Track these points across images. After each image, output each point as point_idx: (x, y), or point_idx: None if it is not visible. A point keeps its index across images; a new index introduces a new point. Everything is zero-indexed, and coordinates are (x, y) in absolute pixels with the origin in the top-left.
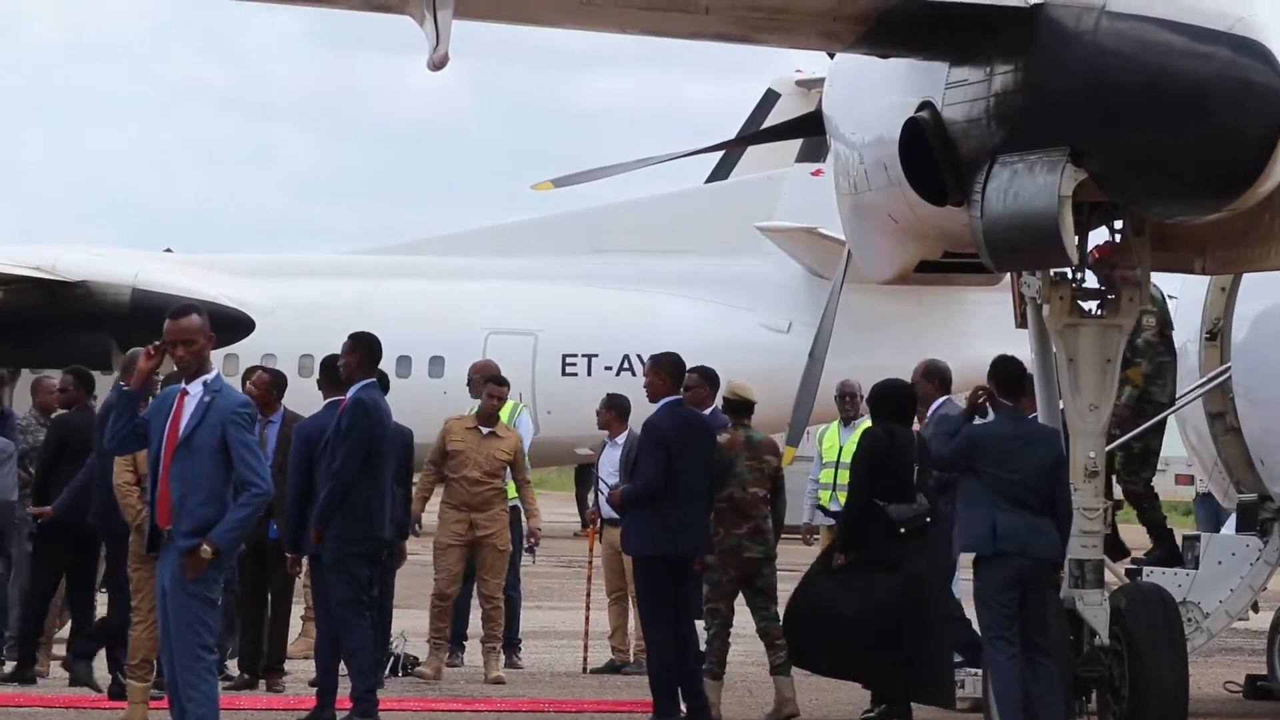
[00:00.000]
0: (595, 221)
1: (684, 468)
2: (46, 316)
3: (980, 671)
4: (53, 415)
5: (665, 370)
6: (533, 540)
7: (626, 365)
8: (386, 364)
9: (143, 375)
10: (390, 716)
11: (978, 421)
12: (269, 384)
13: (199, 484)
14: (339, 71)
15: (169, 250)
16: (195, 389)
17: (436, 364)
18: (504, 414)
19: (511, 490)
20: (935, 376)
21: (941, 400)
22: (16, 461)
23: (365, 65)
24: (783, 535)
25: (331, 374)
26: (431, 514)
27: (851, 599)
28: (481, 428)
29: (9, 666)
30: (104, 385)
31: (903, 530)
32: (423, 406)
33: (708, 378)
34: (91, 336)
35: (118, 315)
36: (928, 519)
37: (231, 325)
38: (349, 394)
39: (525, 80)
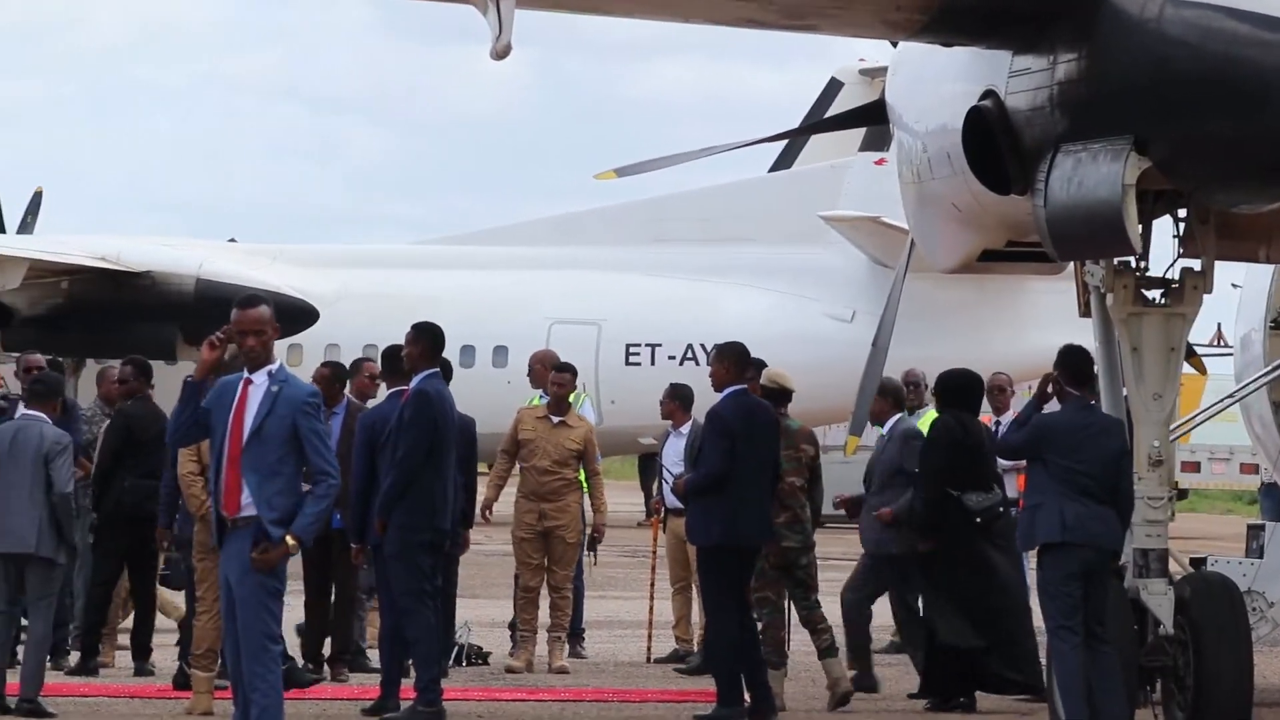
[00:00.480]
0: (658, 211)
1: (748, 457)
2: (111, 307)
3: (1043, 661)
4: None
5: (729, 359)
6: (596, 536)
7: (690, 355)
8: (450, 354)
9: (206, 366)
10: (454, 706)
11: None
12: (330, 377)
13: (275, 473)
14: (402, 62)
15: (233, 240)
16: (260, 379)
17: (500, 354)
18: None
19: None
20: (888, 394)
21: (896, 418)
22: (76, 453)
23: (428, 56)
24: (824, 523)
25: (394, 364)
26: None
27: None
28: (552, 417)
29: (74, 658)
30: (169, 376)
31: (979, 519)
32: (486, 396)
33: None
34: (156, 327)
35: (182, 305)
36: (1002, 508)
37: (295, 315)
38: (412, 384)
39: (588, 69)
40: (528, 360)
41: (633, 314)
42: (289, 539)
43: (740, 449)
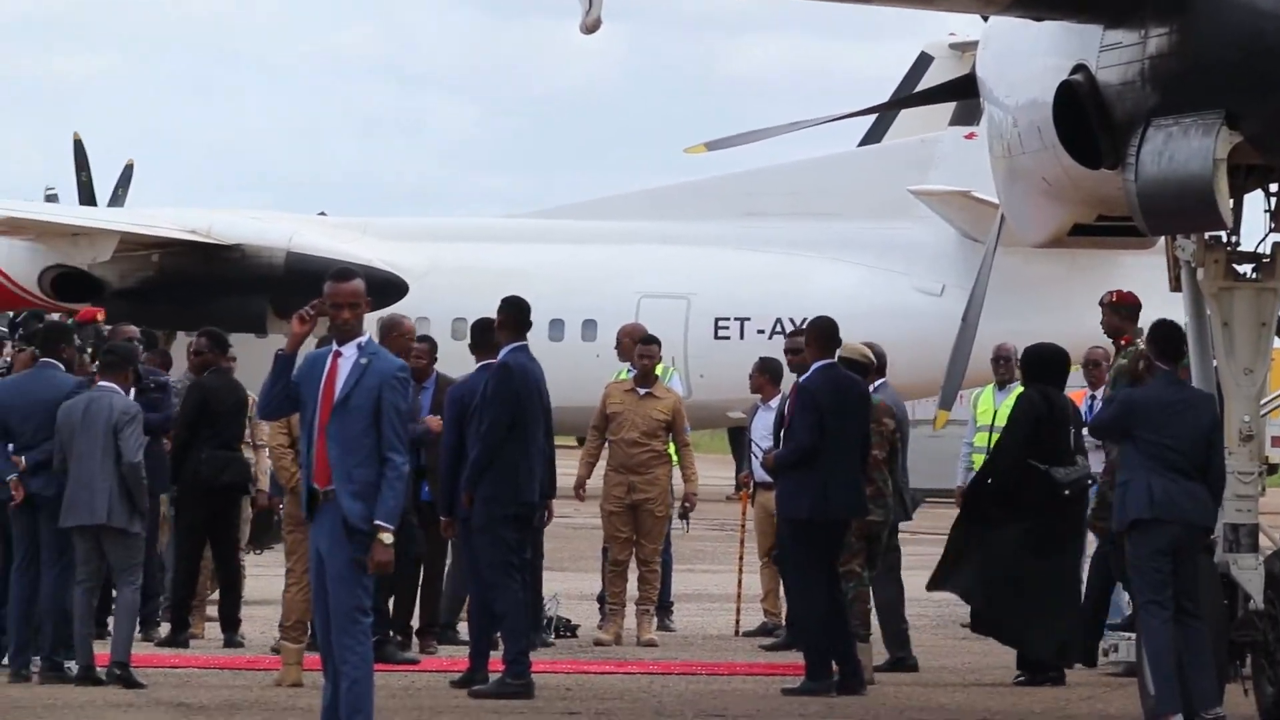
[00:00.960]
0: (748, 185)
1: (838, 430)
2: (202, 280)
3: (1133, 636)
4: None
5: (817, 334)
6: (687, 505)
7: (779, 328)
8: (539, 328)
9: (297, 339)
10: (543, 679)
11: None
12: (423, 352)
13: (357, 445)
14: (493, 37)
15: (323, 214)
16: (349, 351)
17: (589, 328)
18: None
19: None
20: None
21: (880, 383)
22: (168, 426)
23: (519, 30)
24: (926, 499)
25: (483, 337)
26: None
27: (1028, 561)
28: (639, 389)
29: (164, 630)
30: (260, 349)
31: (1066, 492)
32: (575, 370)
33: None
34: (246, 300)
35: (273, 278)
36: (1089, 480)
37: (385, 289)
38: (499, 357)
39: (678, 44)
40: (616, 334)
41: (722, 288)
42: (384, 535)
43: (829, 423)
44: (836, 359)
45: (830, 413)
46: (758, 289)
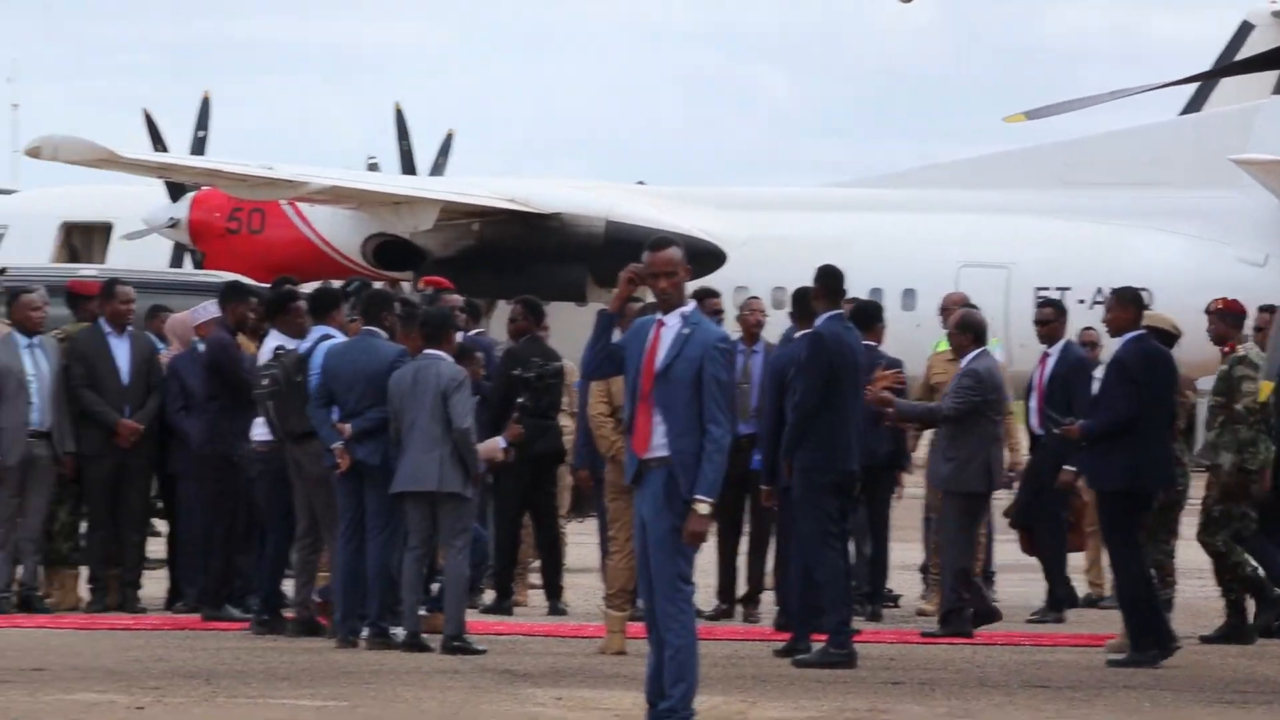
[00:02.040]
0: (1067, 154)
1: (1151, 401)
2: (521, 248)
3: None
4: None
5: (1128, 304)
6: (1010, 474)
7: (1099, 298)
8: (859, 296)
9: (621, 298)
10: (866, 649)
11: None
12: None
13: (675, 415)
14: (813, 5)
15: (641, 183)
16: (672, 321)
17: (909, 297)
18: None
19: None
20: (970, 329)
21: (977, 352)
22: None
23: (840, 1)
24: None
25: (802, 306)
26: None
27: None
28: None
29: (488, 596)
30: (579, 317)
31: None
32: (895, 339)
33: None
34: (566, 268)
35: (592, 247)
36: None
37: (704, 258)
38: (814, 326)
39: (998, 11)
40: (936, 304)
41: (1042, 257)
42: (701, 506)
43: (1143, 394)
44: (1144, 329)
45: (1144, 384)
46: (1078, 258)
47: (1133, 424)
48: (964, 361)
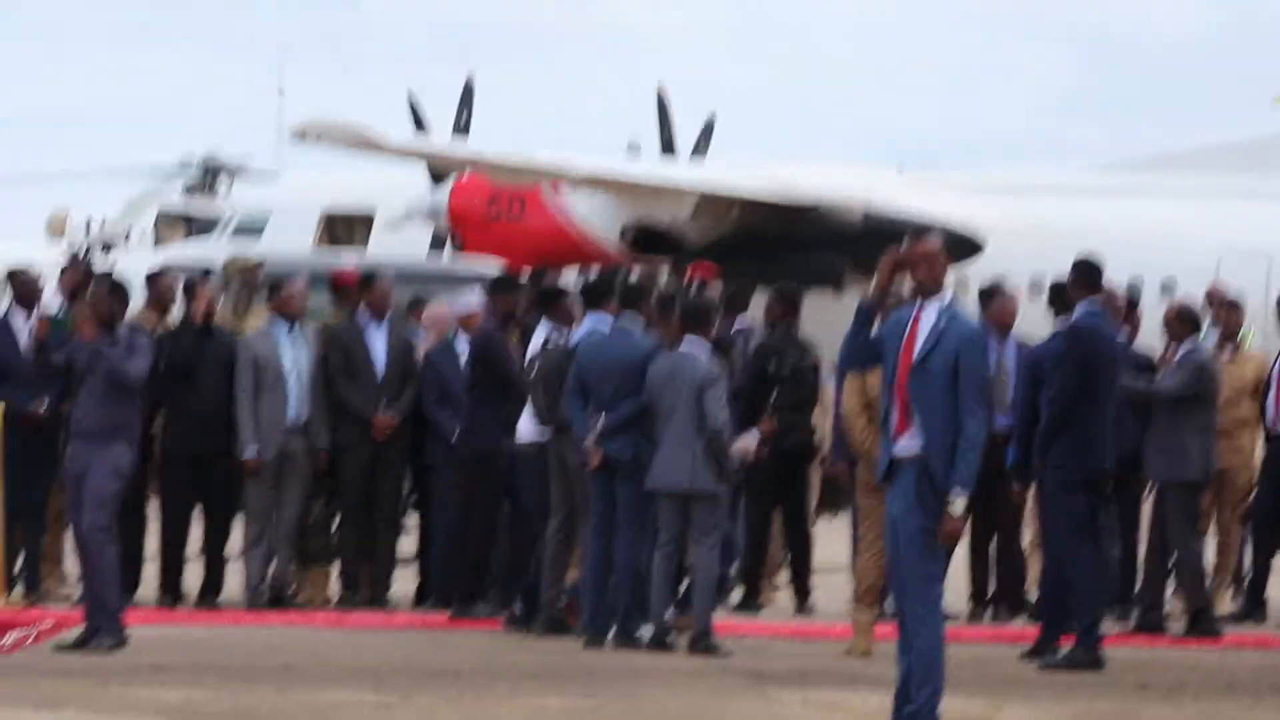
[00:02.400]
0: None
1: None
2: (779, 237)
3: None
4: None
5: None
6: None
7: None
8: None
9: (881, 288)
10: (1115, 652)
11: None
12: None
13: (932, 409)
14: None
15: (900, 168)
16: (930, 312)
17: (1168, 286)
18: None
19: None
20: (1189, 319)
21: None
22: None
23: None
24: None
25: (1059, 295)
26: None
27: None
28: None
29: (736, 595)
30: (837, 307)
31: None
32: (1151, 329)
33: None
34: (823, 257)
35: (850, 236)
36: None
37: (961, 246)
38: (1072, 319)
39: None
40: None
41: None
42: (955, 504)
43: None
44: None
45: None
46: None
47: None
48: (1180, 351)
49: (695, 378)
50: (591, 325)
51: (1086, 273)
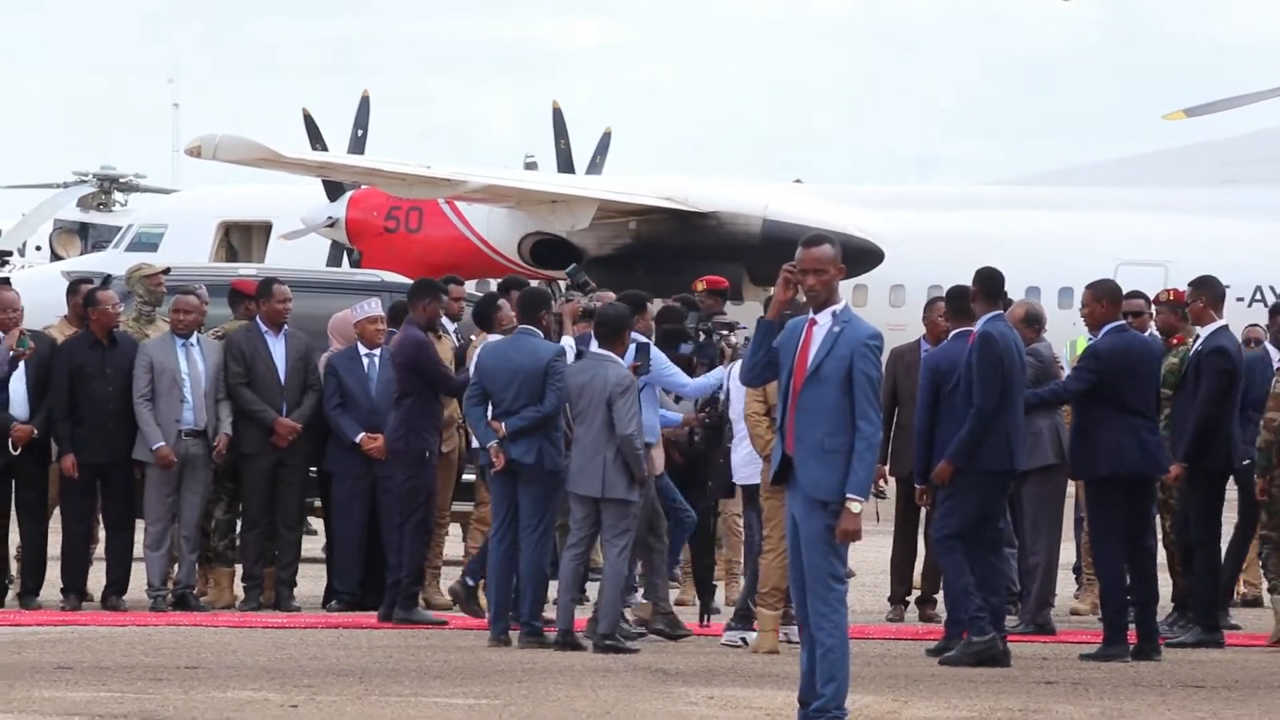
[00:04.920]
0: (1227, 152)
1: None
2: (677, 247)
3: None
4: None
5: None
6: None
7: (1259, 297)
8: (1014, 294)
9: (780, 304)
10: (1020, 649)
11: None
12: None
13: (825, 416)
14: (974, 4)
15: (798, 181)
16: (824, 319)
17: (1065, 295)
18: None
19: None
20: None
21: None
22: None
23: None
24: None
25: (959, 305)
26: None
27: None
28: None
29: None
30: (735, 316)
31: None
32: (1052, 337)
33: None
34: (721, 267)
35: (749, 246)
36: None
37: (861, 256)
38: (976, 327)
39: (1158, 8)
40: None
41: (1199, 255)
42: (853, 504)
43: None
44: None
45: None
46: (1237, 257)
47: None
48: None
49: (607, 386)
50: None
51: (989, 283)
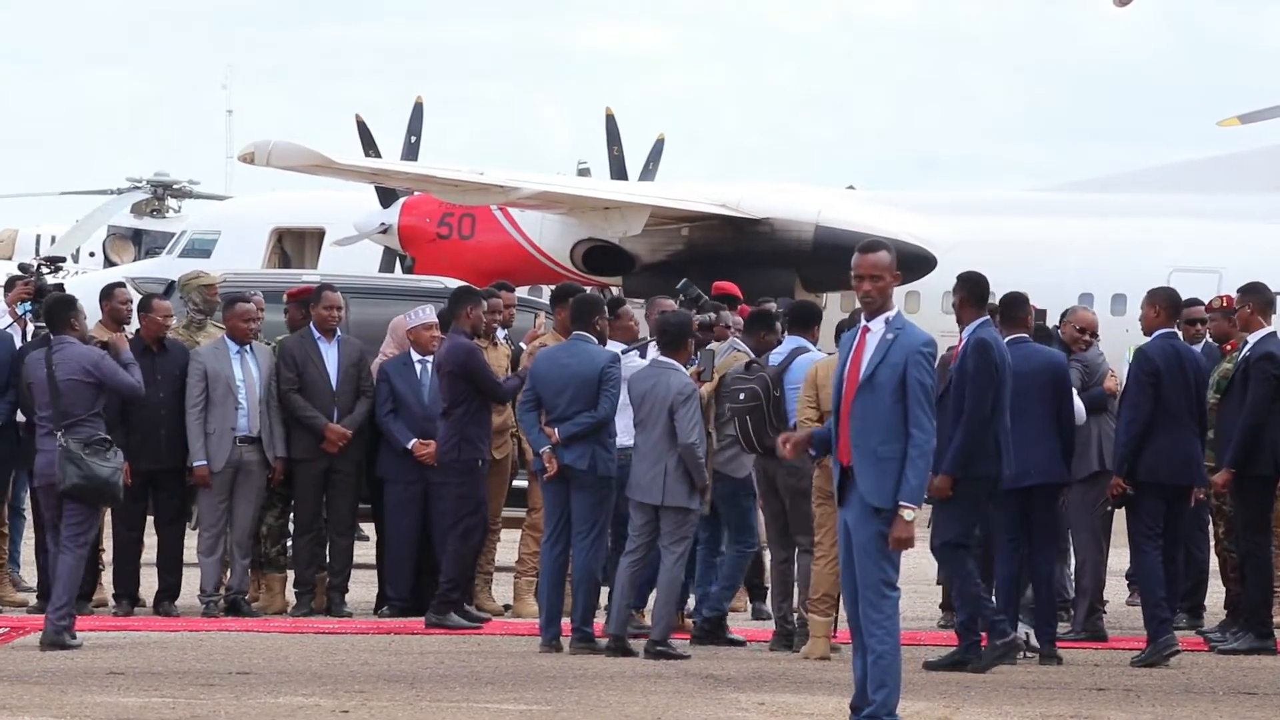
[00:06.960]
0: None
1: None
2: (730, 253)
3: None
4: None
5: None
6: None
7: None
8: (1067, 300)
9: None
10: (1072, 654)
11: None
12: None
13: (879, 423)
14: (1029, 6)
15: (851, 187)
16: (877, 326)
17: (1119, 301)
18: None
19: None
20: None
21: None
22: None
23: (1054, 1)
24: None
25: (1010, 312)
26: None
27: None
28: None
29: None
30: None
31: None
32: (1104, 345)
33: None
34: (774, 273)
35: (801, 252)
36: None
37: (914, 263)
38: (964, 333)
39: (1218, 13)
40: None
41: (1254, 262)
42: (906, 512)
43: None
44: None
45: None
46: None
47: None
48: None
49: (669, 394)
50: (793, 347)
51: (975, 289)
